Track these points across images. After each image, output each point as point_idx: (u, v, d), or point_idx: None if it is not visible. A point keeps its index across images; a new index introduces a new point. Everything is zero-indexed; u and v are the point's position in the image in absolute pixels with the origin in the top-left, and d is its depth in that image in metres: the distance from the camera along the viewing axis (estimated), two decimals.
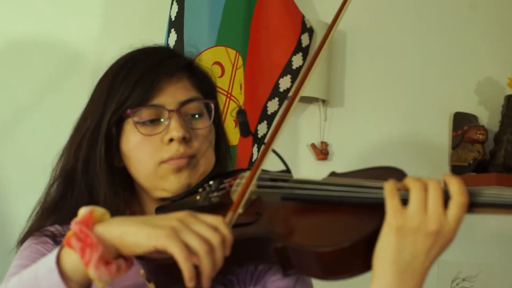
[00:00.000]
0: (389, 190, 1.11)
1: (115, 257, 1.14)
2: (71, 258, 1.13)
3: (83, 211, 1.16)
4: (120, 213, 1.44)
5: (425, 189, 1.11)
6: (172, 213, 1.16)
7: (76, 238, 1.12)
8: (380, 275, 1.10)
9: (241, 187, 1.24)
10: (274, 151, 1.34)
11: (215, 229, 1.12)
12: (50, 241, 1.43)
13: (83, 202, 1.43)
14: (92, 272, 1.10)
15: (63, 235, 1.42)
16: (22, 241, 1.48)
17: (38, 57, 2.70)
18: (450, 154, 3.29)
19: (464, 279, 3.23)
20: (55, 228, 1.46)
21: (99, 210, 1.17)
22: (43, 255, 1.37)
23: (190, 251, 1.09)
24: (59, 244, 1.39)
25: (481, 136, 3.16)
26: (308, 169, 3.03)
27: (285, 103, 2.82)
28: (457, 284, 3.21)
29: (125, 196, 1.47)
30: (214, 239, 1.10)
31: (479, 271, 3.25)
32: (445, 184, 1.12)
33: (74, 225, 1.13)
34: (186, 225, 1.11)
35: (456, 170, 3.20)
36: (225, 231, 1.13)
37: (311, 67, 1.35)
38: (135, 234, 1.12)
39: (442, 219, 1.08)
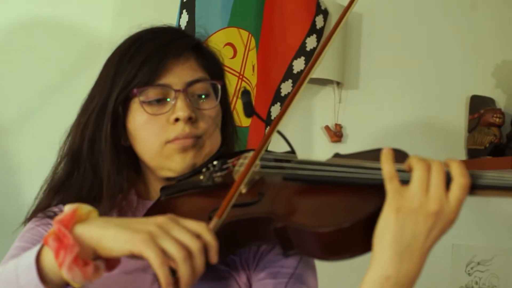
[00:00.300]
0: (387, 172, 1.11)
1: (94, 258, 1.13)
2: (49, 257, 1.12)
3: (67, 209, 1.15)
4: (124, 193, 1.46)
5: (428, 169, 1.10)
6: (154, 216, 1.15)
7: (54, 238, 1.11)
8: (379, 255, 1.09)
9: (243, 167, 1.24)
10: (279, 132, 1.33)
11: (197, 235, 1.11)
12: (52, 222, 1.43)
13: (88, 181, 1.46)
14: (65, 274, 1.09)
15: None
16: (28, 219, 1.49)
17: (51, 41, 2.71)
18: (466, 137, 3.27)
19: (479, 263, 3.22)
20: (58, 209, 1.47)
21: (84, 208, 1.16)
22: (42, 236, 1.37)
23: (166, 256, 1.08)
24: None
25: (497, 120, 3.13)
26: (322, 151, 3.00)
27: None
28: (472, 268, 3.20)
29: (129, 176, 1.48)
30: (194, 245, 1.09)
31: (494, 255, 3.24)
32: (447, 167, 1.11)
33: (55, 224, 1.12)
34: (165, 231, 1.10)
35: (472, 153, 3.17)
36: (208, 237, 1.12)
37: (322, 51, 1.34)
38: (113, 237, 1.10)
39: (443, 200, 1.08)
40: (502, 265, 3.24)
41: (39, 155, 2.50)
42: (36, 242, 1.27)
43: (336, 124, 3.07)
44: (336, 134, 3.04)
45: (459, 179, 1.08)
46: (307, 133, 3.04)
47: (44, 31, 2.69)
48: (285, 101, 1.29)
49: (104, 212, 1.42)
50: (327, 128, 3.06)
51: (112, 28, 2.73)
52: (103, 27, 2.74)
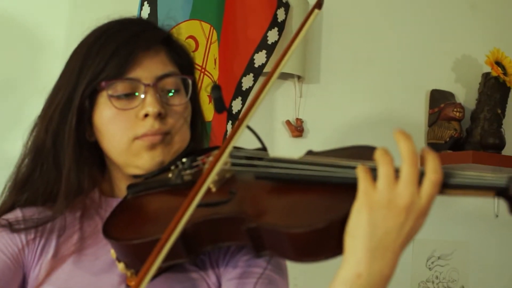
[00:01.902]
0: (361, 170, 1.09)
1: None
2: None
3: None
4: (84, 191, 1.41)
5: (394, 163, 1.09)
6: None
7: None
8: (350, 252, 1.07)
9: (208, 164, 1.20)
10: (249, 128, 1.29)
11: None
12: (5, 231, 1.40)
13: (50, 178, 1.41)
14: None
15: (19, 222, 1.40)
16: None
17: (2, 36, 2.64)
18: (426, 131, 3.29)
19: (439, 258, 3.24)
20: (13, 215, 1.43)
21: None
22: None
23: None
24: (16, 232, 1.38)
25: (457, 114, 3.16)
26: (283, 146, 3.00)
27: (261, 79, 2.79)
28: (432, 263, 3.22)
29: (92, 173, 1.43)
30: None
31: (454, 250, 3.26)
32: (422, 159, 1.09)
33: None
34: None
35: (433, 147, 3.18)
36: None
37: (289, 47, 1.31)
38: None
39: (414, 195, 1.06)
40: (461, 259, 3.27)
41: None
42: None
43: (297, 119, 3.06)
44: (297, 128, 3.03)
45: (431, 175, 1.06)
46: (268, 128, 3.03)
47: None
48: (253, 97, 1.25)
49: (60, 211, 1.38)
50: (288, 122, 3.05)
51: (69, 20, 2.66)
52: (60, 20, 2.66)
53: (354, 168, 1.11)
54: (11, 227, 1.39)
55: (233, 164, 1.31)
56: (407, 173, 1.06)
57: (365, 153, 1.18)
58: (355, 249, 1.06)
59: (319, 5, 1.32)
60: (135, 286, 1.03)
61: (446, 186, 1.07)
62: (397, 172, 1.08)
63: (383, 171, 1.07)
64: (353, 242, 1.06)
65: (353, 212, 1.07)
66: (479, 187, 1.07)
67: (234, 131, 1.20)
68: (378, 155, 1.09)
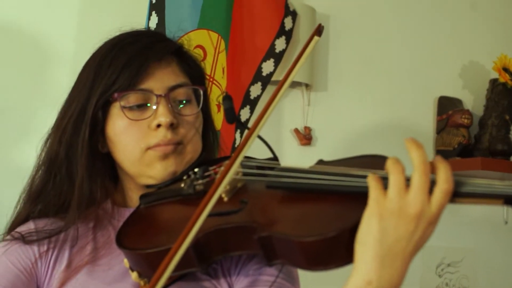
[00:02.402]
0: (372, 179, 1.09)
1: None
2: None
3: None
4: (97, 202, 1.42)
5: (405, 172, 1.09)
6: None
7: None
8: (360, 259, 1.07)
9: (219, 174, 1.20)
10: (260, 138, 1.30)
11: None
12: (19, 244, 1.40)
13: (63, 189, 1.42)
14: None
15: (32, 233, 1.40)
16: (6, 233, 1.46)
17: (13, 47, 2.64)
18: (434, 138, 3.28)
19: (449, 265, 3.23)
20: (26, 227, 1.44)
21: None
22: (7, 269, 1.36)
23: None
24: (29, 244, 1.39)
25: (466, 120, 3.16)
26: (292, 154, 3.00)
27: (269, 88, 2.80)
28: (442, 270, 3.22)
29: (104, 184, 1.44)
30: None
31: (463, 257, 3.25)
32: (433, 168, 1.09)
33: None
34: None
35: (441, 154, 3.19)
36: None
37: (290, 72, 1.30)
38: None
39: (425, 204, 1.06)
40: (471, 266, 3.26)
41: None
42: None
43: (305, 127, 3.06)
44: (305, 137, 3.03)
45: (442, 185, 1.06)
46: (276, 136, 3.02)
47: (5, 36, 2.63)
48: (264, 106, 1.25)
49: (72, 221, 1.39)
50: (296, 131, 3.05)
51: (77, 32, 2.66)
52: (68, 32, 2.67)
53: (364, 177, 1.11)
54: (24, 240, 1.40)
55: (245, 174, 1.31)
56: (418, 182, 1.06)
57: (375, 162, 1.18)
58: (365, 257, 1.06)
59: (319, 32, 1.32)
60: None
61: (456, 195, 1.07)
62: (407, 181, 1.08)
63: (394, 180, 1.07)
64: (363, 250, 1.07)
65: (363, 220, 1.08)
66: (489, 196, 1.07)
67: (245, 140, 1.21)
68: (389, 164, 1.09)
